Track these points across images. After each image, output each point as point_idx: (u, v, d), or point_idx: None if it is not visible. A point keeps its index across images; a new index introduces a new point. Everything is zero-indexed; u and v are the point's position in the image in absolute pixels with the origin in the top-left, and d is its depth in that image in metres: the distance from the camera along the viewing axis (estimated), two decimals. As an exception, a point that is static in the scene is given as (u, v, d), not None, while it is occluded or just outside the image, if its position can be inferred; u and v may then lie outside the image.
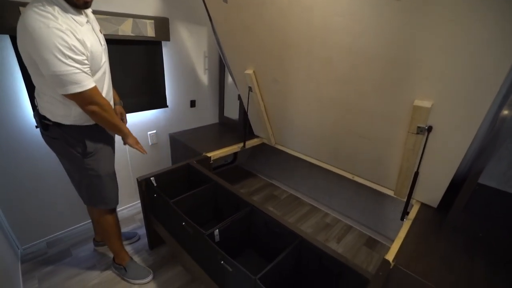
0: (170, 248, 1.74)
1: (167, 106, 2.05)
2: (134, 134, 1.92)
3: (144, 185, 1.47)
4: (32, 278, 1.48)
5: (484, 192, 1.32)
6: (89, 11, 1.09)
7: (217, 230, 1.16)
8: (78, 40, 0.95)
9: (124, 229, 1.87)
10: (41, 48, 0.88)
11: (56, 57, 0.90)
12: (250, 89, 1.82)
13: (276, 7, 1.25)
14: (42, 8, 0.90)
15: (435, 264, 1.03)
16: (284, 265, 1.06)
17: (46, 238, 1.72)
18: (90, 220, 1.82)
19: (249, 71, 1.72)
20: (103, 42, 1.16)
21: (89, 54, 1.01)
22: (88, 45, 1.01)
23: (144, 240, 1.77)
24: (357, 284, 0.96)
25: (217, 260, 1.05)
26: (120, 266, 1.49)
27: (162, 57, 1.90)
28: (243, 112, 2.24)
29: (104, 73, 1.15)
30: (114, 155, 1.34)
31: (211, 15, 1.58)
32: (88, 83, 1.00)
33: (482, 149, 1.13)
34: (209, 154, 1.85)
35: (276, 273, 1.00)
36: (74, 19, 0.97)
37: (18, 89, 1.37)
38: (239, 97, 2.23)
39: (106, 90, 1.19)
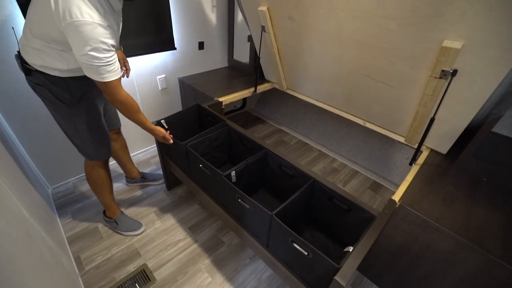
0: (186, 188, 1.86)
1: (175, 48, 1.96)
2: (143, 79, 1.92)
3: (159, 130, 1.51)
4: (65, 213, 1.64)
5: (495, 139, 1.34)
6: None
7: (234, 171, 1.23)
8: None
9: (146, 171, 1.99)
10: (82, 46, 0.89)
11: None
12: (263, 28, 1.71)
13: None
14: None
15: (437, 203, 1.11)
16: (298, 203, 1.14)
17: (72, 179, 1.85)
18: (114, 162, 1.91)
19: (263, 8, 1.58)
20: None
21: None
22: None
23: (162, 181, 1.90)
24: (364, 220, 1.05)
25: (235, 198, 1.13)
26: (111, 219, 1.52)
27: (167, -8, 1.74)
28: (254, 55, 2.14)
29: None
30: (100, 106, 1.27)
31: None
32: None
33: (504, 96, 1.09)
34: (220, 99, 1.84)
35: (290, 210, 1.08)
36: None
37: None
38: (249, 39, 2.10)
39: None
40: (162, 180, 1.89)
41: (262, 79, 2.26)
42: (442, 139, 1.35)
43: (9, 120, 1.43)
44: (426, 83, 1.16)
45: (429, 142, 1.42)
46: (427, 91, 1.17)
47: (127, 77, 1.51)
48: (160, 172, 1.97)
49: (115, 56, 0.98)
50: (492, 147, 1.33)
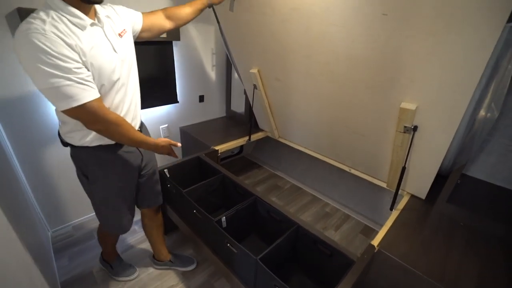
0: (182, 233, 1.92)
1: (177, 102, 2.19)
2: (147, 128, 2.10)
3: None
4: (62, 256, 1.69)
5: (472, 184, 1.44)
6: (104, 11, 0.95)
7: (224, 217, 1.32)
8: (69, 45, 0.78)
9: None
10: (24, 62, 0.76)
11: (40, 68, 0.74)
12: (255, 86, 1.94)
13: (276, 18, 1.36)
14: (34, 15, 0.76)
15: (415, 248, 1.17)
16: (282, 248, 1.21)
17: (72, 222, 1.92)
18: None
19: (254, 70, 1.83)
20: (122, 49, 0.97)
21: (92, 62, 0.85)
22: (88, 51, 0.83)
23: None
24: (345, 265, 1.11)
25: (224, 243, 1.21)
26: (106, 263, 1.56)
27: (173, 55, 2.03)
28: (249, 106, 2.36)
29: (122, 89, 1.00)
30: (127, 184, 1.21)
31: (219, 19, 1.68)
32: (84, 96, 0.82)
33: (463, 147, 1.23)
34: (217, 147, 2.00)
35: (275, 254, 1.15)
36: (71, 22, 0.81)
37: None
38: (245, 92, 2.34)
39: (126, 110, 1.05)
40: (193, 266, 1.68)
41: (256, 128, 2.45)
42: (418, 185, 1.46)
43: (22, 165, 1.57)
44: (395, 136, 1.31)
45: (408, 187, 1.53)
46: (396, 142, 1.32)
47: None
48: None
49: (84, 71, 0.82)
50: (469, 191, 1.43)
